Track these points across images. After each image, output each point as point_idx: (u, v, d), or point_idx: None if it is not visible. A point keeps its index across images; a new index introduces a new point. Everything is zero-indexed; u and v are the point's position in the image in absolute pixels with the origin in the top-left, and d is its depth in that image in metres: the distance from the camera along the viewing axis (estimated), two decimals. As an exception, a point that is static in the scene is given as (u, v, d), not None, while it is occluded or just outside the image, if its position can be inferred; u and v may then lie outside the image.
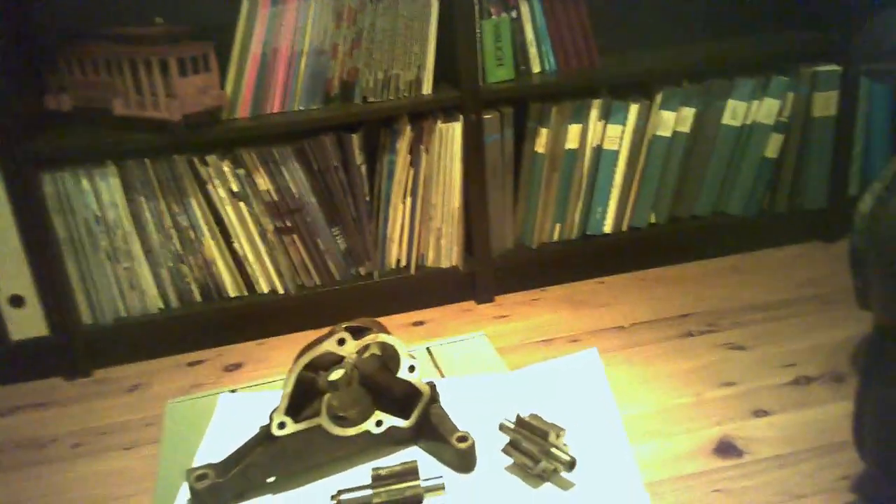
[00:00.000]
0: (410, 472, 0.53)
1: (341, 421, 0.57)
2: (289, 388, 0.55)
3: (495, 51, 1.33)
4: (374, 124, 1.31)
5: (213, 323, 1.32)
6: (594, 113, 1.35)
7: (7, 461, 1.08)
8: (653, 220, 1.44)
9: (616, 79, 1.37)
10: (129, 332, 1.29)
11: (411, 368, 0.59)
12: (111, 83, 1.24)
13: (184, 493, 0.56)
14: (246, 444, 0.56)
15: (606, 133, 1.37)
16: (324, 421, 0.56)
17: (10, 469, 1.06)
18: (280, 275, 1.33)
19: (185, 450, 0.62)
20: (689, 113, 1.38)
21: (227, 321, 1.33)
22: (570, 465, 0.58)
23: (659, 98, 1.36)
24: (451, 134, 1.31)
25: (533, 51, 1.38)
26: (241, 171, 1.26)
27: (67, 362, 1.27)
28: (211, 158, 1.25)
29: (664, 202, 1.43)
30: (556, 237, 1.42)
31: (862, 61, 1.39)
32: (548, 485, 0.59)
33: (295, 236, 1.31)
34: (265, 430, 0.55)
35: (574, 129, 1.36)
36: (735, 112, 1.39)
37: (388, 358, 0.58)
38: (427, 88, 1.31)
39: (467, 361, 0.76)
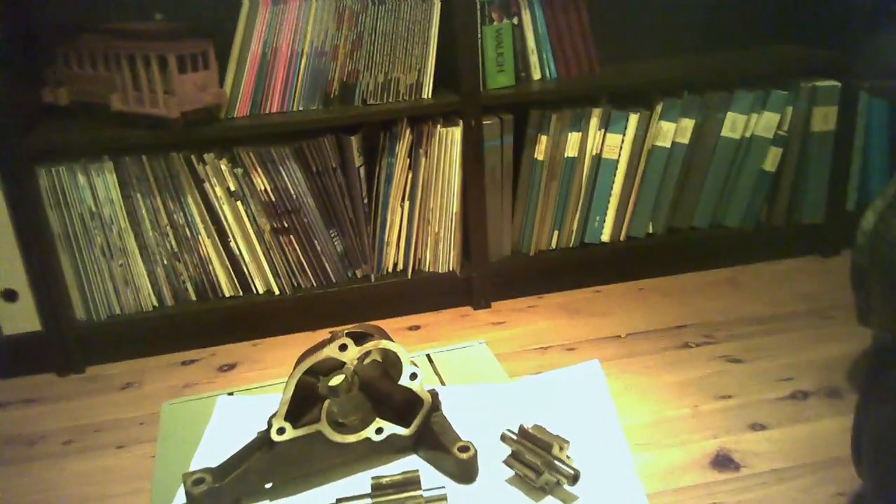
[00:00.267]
0: (412, 481, 0.52)
1: (341, 427, 0.56)
2: (288, 394, 0.54)
3: (496, 57, 1.33)
4: (374, 127, 1.31)
5: (207, 322, 1.31)
6: (594, 121, 1.35)
7: (-4, 457, 1.06)
8: (651, 230, 1.44)
9: (616, 88, 1.37)
10: (123, 330, 1.28)
11: (413, 376, 0.58)
12: (109, 78, 1.23)
13: (180, 497, 0.56)
14: (244, 449, 0.55)
15: (606, 142, 1.37)
16: (323, 427, 0.56)
17: (0, 465, 1.04)
18: (276, 275, 1.32)
19: (181, 452, 0.61)
20: (688, 124, 1.38)
21: (221, 321, 1.32)
22: (574, 478, 0.58)
23: (659, 108, 1.36)
24: (451, 138, 1.30)
25: (534, 58, 1.38)
26: (239, 171, 1.26)
27: (60, 358, 1.26)
28: (209, 157, 1.24)
29: (662, 213, 1.43)
30: (553, 245, 1.41)
31: (863, 78, 1.40)
32: (550, 498, 0.58)
33: (292, 237, 1.30)
34: (264, 435, 0.54)
35: (573, 137, 1.36)
36: (734, 125, 1.40)
37: (390, 365, 0.58)
38: (427, 92, 1.31)
39: (468, 369, 0.75)
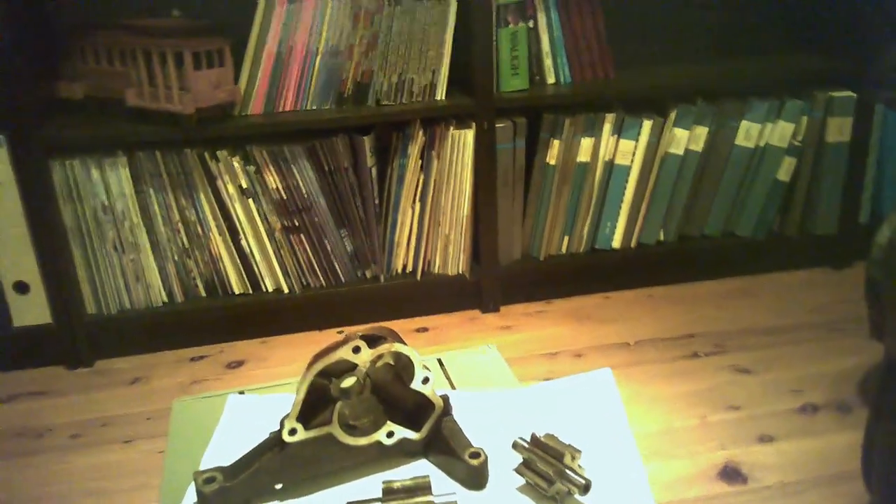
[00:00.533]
0: (423, 487, 0.52)
1: (352, 430, 0.56)
2: (301, 395, 0.54)
3: (511, 60, 1.32)
4: (387, 127, 1.30)
5: (216, 319, 1.31)
6: (607, 127, 1.35)
7: (5, 449, 1.07)
8: (662, 237, 1.43)
9: (630, 94, 1.37)
10: (133, 325, 1.28)
11: (425, 380, 0.58)
12: (125, 73, 1.23)
13: (191, 495, 0.56)
14: (255, 449, 0.55)
15: (619, 148, 1.37)
16: (335, 429, 0.56)
17: (7, 457, 1.05)
18: (286, 274, 1.32)
19: (191, 450, 0.61)
20: (702, 132, 1.37)
21: (230, 318, 1.32)
22: (586, 488, 0.57)
23: (673, 115, 1.36)
24: (463, 141, 1.30)
25: (548, 62, 1.37)
26: (252, 168, 1.26)
27: (69, 351, 1.27)
28: (222, 154, 1.24)
29: (674, 220, 1.42)
30: (563, 250, 1.41)
31: (880, 90, 1.39)
32: None
33: (302, 236, 1.30)
34: (276, 436, 0.54)
35: (586, 143, 1.35)
36: (749, 133, 1.39)
37: (402, 368, 0.58)
38: (441, 94, 1.31)
39: (479, 374, 0.75)
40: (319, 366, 0.54)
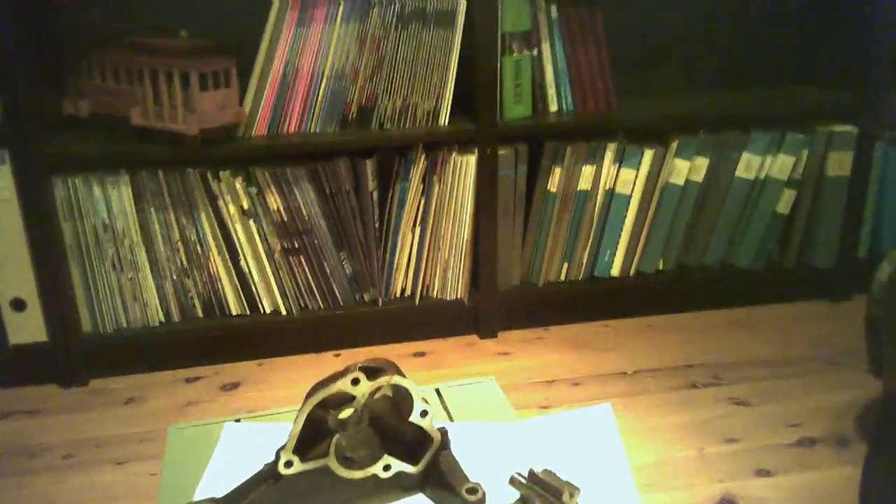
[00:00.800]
0: None
1: (349, 462, 0.56)
2: (298, 427, 0.54)
3: (514, 87, 1.34)
4: (389, 151, 1.31)
5: (213, 340, 1.31)
6: (608, 156, 1.36)
7: (-4, 468, 1.06)
8: (661, 266, 1.44)
9: (632, 123, 1.38)
10: (129, 344, 1.28)
11: (423, 413, 0.58)
12: (131, 92, 1.24)
13: None
14: (250, 480, 0.54)
15: (620, 177, 1.37)
16: (331, 462, 0.55)
17: (0, 476, 1.04)
18: (284, 295, 1.32)
19: (186, 478, 0.60)
20: (703, 162, 1.38)
21: (227, 339, 1.31)
22: None
23: (674, 146, 1.36)
24: (465, 166, 1.31)
25: (551, 90, 1.38)
26: (253, 189, 1.26)
27: (64, 370, 1.26)
28: (224, 174, 1.25)
29: (673, 250, 1.43)
30: (563, 277, 1.41)
31: (882, 127, 1.40)
32: None
33: (302, 258, 1.30)
34: (271, 467, 0.54)
35: (587, 171, 1.36)
36: (749, 165, 1.40)
37: (400, 400, 0.57)
38: (444, 119, 1.31)
39: (477, 406, 0.75)
40: (318, 398, 0.54)
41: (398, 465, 0.58)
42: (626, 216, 1.39)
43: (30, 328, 1.23)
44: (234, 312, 1.31)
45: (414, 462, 0.59)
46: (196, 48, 1.20)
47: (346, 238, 1.31)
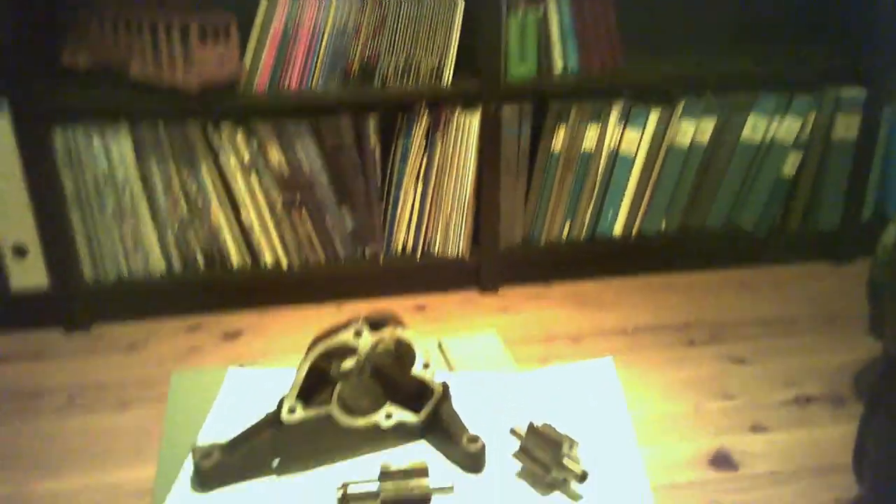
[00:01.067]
0: (420, 470, 0.52)
1: (351, 411, 0.56)
2: (301, 375, 0.54)
3: (519, 45, 1.32)
4: (392, 109, 1.30)
5: (214, 290, 1.32)
6: (613, 115, 1.35)
7: (1, 410, 1.07)
8: (663, 227, 1.43)
9: (638, 83, 1.36)
10: (131, 292, 1.29)
11: (426, 366, 0.58)
12: (130, 44, 1.23)
13: (187, 468, 0.56)
14: (254, 426, 0.55)
15: (624, 137, 1.36)
16: (334, 410, 0.56)
17: (3, 418, 1.05)
18: (285, 248, 1.32)
19: (189, 422, 0.61)
20: (709, 124, 1.37)
21: (228, 289, 1.32)
22: (582, 477, 0.57)
23: (680, 106, 1.35)
24: (469, 124, 1.30)
25: (557, 49, 1.37)
26: (254, 143, 1.26)
27: (66, 315, 1.27)
28: (225, 127, 1.24)
29: (676, 211, 1.42)
30: (564, 235, 1.41)
31: (894, 92, 1.38)
32: (556, 494, 0.58)
33: (303, 211, 1.30)
34: (274, 414, 0.54)
35: (592, 131, 1.35)
36: (755, 127, 1.38)
37: (403, 352, 0.58)
38: (447, 77, 1.30)
39: (478, 358, 0.75)
40: (321, 348, 0.54)
41: (400, 415, 0.59)
42: (629, 177, 1.38)
43: (31, 274, 1.24)
44: (235, 264, 1.32)
45: (415, 411, 0.59)
46: (196, 1, 1.19)
47: (348, 193, 1.31)
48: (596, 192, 1.39)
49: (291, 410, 0.54)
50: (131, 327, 1.28)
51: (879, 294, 0.93)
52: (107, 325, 1.29)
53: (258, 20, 1.24)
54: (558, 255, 1.41)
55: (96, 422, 1.03)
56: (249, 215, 1.29)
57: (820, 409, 1.04)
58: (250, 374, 0.68)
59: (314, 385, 0.54)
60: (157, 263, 1.29)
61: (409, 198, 1.33)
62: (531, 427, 0.59)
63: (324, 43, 1.27)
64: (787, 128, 1.39)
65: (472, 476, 0.59)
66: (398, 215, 1.34)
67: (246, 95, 1.25)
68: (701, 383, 1.10)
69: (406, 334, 0.56)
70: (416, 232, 1.36)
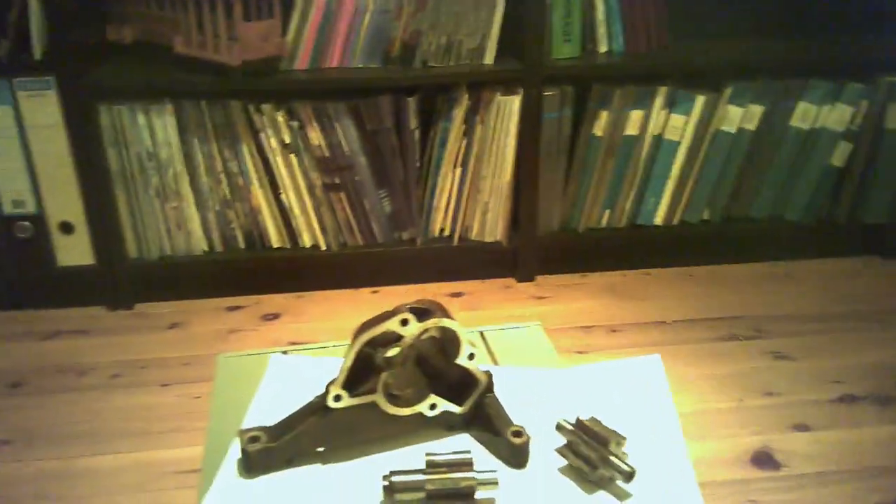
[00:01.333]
0: (465, 463, 0.52)
1: (396, 400, 0.56)
2: (348, 363, 0.54)
3: (563, 26, 1.29)
4: (432, 90, 1.29)
5: (254, 271, 1.33)
6: (658, 100, 1.32)
7: (46, 384, 1.10)
8: (706, 216, 1.40)
9: (685, 67, 1.33)
10: (173, 271, 1.30)
11: (471, 356, 0.58)
12: (175, 20, 1.23)
13: (234, 452, 0.56)
14: (299, 412, 0.55)
15: (669, 122, 1.33)
16: (379, 398, 0.56)
17: (50, 392, 1.08)
18: (324, 231, 1.32)
19: (235, 406, 0.62)
20: (757, 110, 1.33)
21: (267, 270, 1.33)
22: (630, 475, 0.56)
23: (728, 92, 1.32)
24: (509, 107, 1.28)
25: (602, 29, 1.34)
26: (295, 124, 1.25)
27: (111, 293, 1.29)
28: (266, 108, 1.24)
29: (720, 200, 1.39)
30: (604, 223, 1.39)
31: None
32: (602, 492, 0.57)
33: (342, 194, 1.30)
34: (320, 401, 0.54)
35: (636, 115, 1.32)
36: (805, 115, 1.35)
37: (447, 342, 0.57)
38: (489, 58, 1.28)
39: (522, 351, 0.74)
40: (367, 336, 0.54)
41: (444, 405, 0.58)
42: (673, 163, 1.35)
43: (77, 251, 1.26)
44: (274, 245, 1.32)
45: (459, 402, 0.59)
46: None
47: (387, 176, 1.30)
48: (638, 178, 1.36)
49: (338, 398, 0.54)
50: (173, 306, 1.30)
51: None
52: (149, 304, 1.31)
53: (301, -3, 1.23)
54: (597, 243, 1.40)
55: (138, 400, 1.06)
56: (289, 196, 1.30)
57: (865, 409, 1.02)
58: (293, 360, 0.69)
59: (359, 373, 0.54)
60: (199, 243, 1.30)
61: (447, 182, 1.32)
62: (578, 422, 0.58)
63: (366, 21, 1.25)
64: (837, 116, 1.35)
65: (515, 471, 0.58)
66: (436, 199, 1.33)
67: (287, 74, 1.24)
68: (743, 379, 1.09)
69: (452, 324, 0.56)
70: (453, 216, 1.35)
